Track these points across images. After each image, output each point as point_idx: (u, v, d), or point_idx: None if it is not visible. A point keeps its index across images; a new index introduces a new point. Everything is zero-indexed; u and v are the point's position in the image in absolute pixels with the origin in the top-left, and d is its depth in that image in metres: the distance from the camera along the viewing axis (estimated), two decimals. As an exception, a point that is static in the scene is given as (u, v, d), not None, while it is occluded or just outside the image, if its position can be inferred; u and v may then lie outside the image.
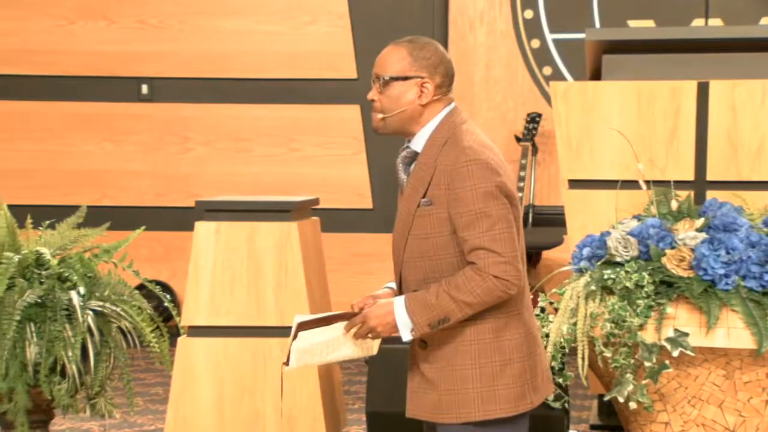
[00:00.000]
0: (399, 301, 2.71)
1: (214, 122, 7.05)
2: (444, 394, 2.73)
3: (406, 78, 2.80)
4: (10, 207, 3.83)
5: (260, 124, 7.02)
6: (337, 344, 2.77)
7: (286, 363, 2.77)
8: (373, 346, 2.82)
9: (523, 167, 6.42)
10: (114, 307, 3.73)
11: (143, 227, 4.09)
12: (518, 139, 6.54)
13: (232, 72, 7.01)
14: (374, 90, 2.84)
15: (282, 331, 4.12)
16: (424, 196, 2.75)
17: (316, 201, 4.47)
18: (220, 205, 4.23)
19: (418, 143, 2.81)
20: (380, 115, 2.82)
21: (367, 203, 6.93)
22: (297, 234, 4.13)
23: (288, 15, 6.96)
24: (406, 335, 2.71)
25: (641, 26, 6.27)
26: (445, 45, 6.75)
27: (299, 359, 2.76)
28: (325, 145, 6.97)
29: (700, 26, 6.10)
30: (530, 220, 6.39)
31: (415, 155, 2.81)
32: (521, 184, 6.38)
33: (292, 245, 4.13)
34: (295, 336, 2.75)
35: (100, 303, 3.71)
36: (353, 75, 6.91)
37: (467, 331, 2.71)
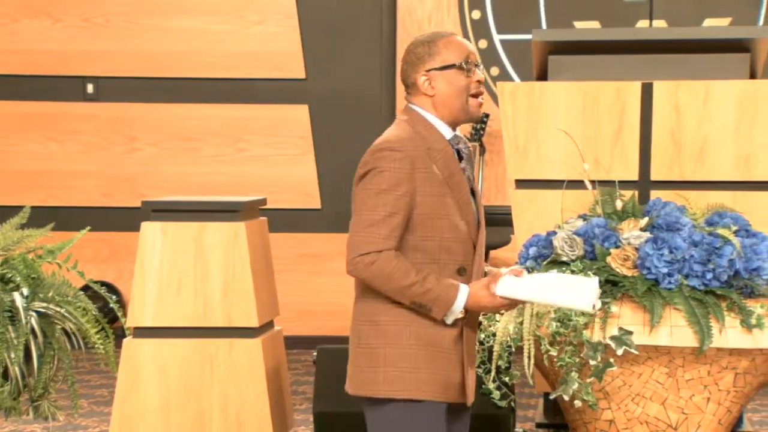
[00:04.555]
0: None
1: (161, 122, 7.00)
2: None
3: None
4: (-48, 207, 3.78)
5: (208, 124, 6.99)
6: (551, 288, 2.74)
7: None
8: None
9: (471, 167, 6.45)
10: (58, 309, 3.69)
11: (88, 228, 4.05)
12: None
13: (179, 71, 6.96)
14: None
15: (229, 332, 4.11)
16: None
17: (263, 201, 4.46)
18: (166, 205, 4.20)
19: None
20: None
21: (315, 203, 6.92)
22: (245, 234, 4.12)
23: (236, 15, 6.93)
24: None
25: (587, 27, 6.33)
26: (394, 45, 6.77)
27: (507, 285, 2.72)
28: (274, 145, 6.95)
29: (644, 28, 6.16)
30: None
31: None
32: (469, 184, 6.41)
33: (240, 246, 4.11)
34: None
35: (44, 304, 3.67)
36: (301, 75, 6.90)
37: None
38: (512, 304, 2.74)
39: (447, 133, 2.82)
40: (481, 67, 2.86)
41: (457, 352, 2.78)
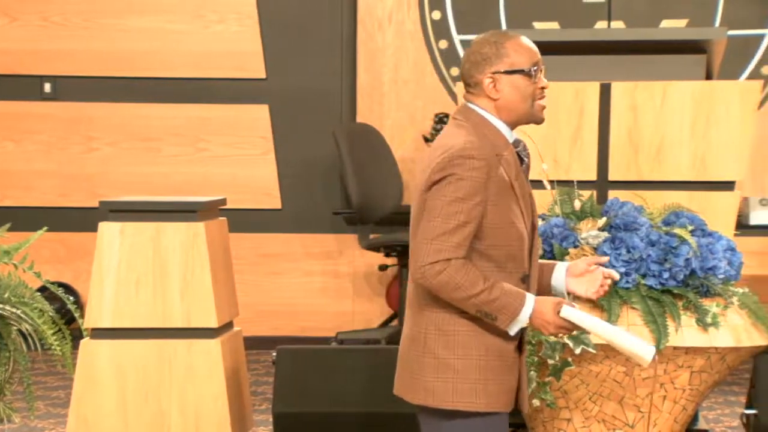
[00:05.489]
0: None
1: (119, 121, 6.95)
2: None
3: None
4: None
5: (167, 124, 6.94)
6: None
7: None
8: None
9: (431, 167, 6.45)
10: (14, 310, 3.66)
11: (45, 228, 4.01)
12: (426, 140, 6.58)
13: (138, 71, 6.92)
14: None
15: (188, 332, 4.09)
16: None
17: (223, 201, 4.44)
18: (124, 205, 4.18)
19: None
20: None
21: (275, 203, 6.90)
22: (204, 234, 4.10)
23: (195, 14, 6.90)
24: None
25: (546, 28, 6.36)
26: (354, 45, 6.77)
27: (576, 313, 2.66)
28: (234, 145, 6.92)
29: (602, 28, 6.21)
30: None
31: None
32: (429, 185, 6.41)
33: (199, 246, 4.09)
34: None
35: (0, 306, 3.64)
36: (262, 75, 6.87)
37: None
38: (571, 329, 2.67)
39: (509, 136, 2.74)
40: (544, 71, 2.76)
41: (517, 358, 2.74)
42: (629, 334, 2.67)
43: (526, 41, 2.74)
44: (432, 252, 2.63)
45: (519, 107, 2.72)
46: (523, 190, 2.73)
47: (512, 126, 2.75)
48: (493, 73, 2.70)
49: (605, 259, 2.81)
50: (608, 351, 3.41)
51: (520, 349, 2.75)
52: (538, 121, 2.76)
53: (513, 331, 2.67)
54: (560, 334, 2.72)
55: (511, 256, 2.70)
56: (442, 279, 2.62)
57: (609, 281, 2.78)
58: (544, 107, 2.76)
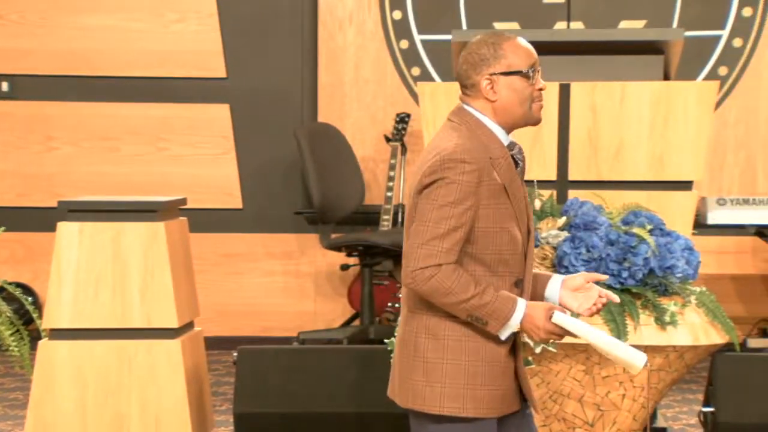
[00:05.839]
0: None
1: (79, 121, 6.90)
2: None
3: None
4: None
5: (127, 123, 6.90)
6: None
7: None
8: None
9: (392, 167, 6.46)
10: (-29, 311, 3.62)
11: (3, 228, 3.98)
12: (388, 139, 6.59)
13: (97, 70, 6.86)
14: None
15: (148, 333, 4.07)
16: None
17: (183, 201, 4.42)
18: (83, 205, 4.15)
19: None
20: None
21: (236, 203, 6.88)
22: (164, 234, 4.08)
23: (155, 12, 6.86)
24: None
25: (506, 28, 6.39)
26: (315, 45, 6.76)
27: (567, 319, 2.63)
28: (194, 144, 6.89)
29: (562, 29, 6.24)
30: (399, 219, 6.44)
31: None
32: (391, 184, 6.42)
33: (159, 246, 4.07)
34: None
35: (-43, 306, 3.60)
36: (222, 74, 6.85)
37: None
38: (562, 335, 2.65)
39: (504, 139, 2.71)
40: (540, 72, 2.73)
41: (511, 362, 2.72)
42: (620, 342, 2.65)
43: (523, 42, 2.72)
44: (422, 257, 2.61)
45: (516, 109, 2.69)
46: (517, 194, 2.70)
47: (509, 128, 2.72)
48: (491, 74, 2.67)
49: (604, 277, 2.76)
50: (568, 350, 3.44)
51: (515, 353, 2.73)
52: (536, 122, 2.73)
53: (504, 335, 2.65)
54: (551, 340, 2.70)
55: (504, 261, 2.68)
56: (433, 284, 2.61)
57: (604, 300, 2.73)
58: (541, 107, 2.72)
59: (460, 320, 2.66)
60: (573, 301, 2.74)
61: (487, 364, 2.67)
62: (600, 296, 2.73)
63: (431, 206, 2.62)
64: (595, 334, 2.64)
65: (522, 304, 2.64)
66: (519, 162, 2.73)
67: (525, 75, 2.67)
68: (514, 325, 2.63)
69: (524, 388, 2.74)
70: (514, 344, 2.73)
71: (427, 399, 2.68)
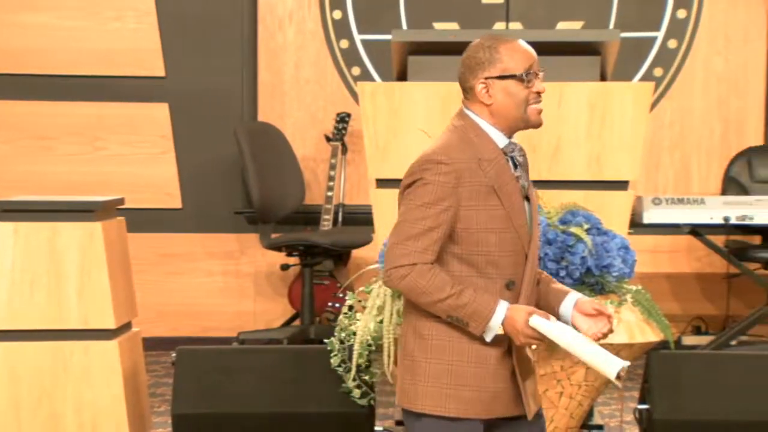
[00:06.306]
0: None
1: (14, 120, 6.80)
2: None
3: None
4: None
5: (64, 122, 6.82)
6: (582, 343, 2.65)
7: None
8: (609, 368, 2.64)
9: (333, 167, 6.46)
10: None
11: (-65, 228, 3.91)
12: (328, 139, 6.58)
13: (33, 68, 6.77)
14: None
15: (85, 334, 4.03)
16: None
17: (121, 201, 4.39)
18: (18, 205, 4.10)
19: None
20: None
21: (176, 203, 6.83)
22: (101, 234, 4.05)
23: (92, 11, 6.78)
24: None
25: (446, 28, 6.41)
26: (254, 44, 6.73)
27: (543, 324, 2.61)
28: (133, 143, 6.83)
29: (501, 29, 6.28)
30: (340, 219, 6.44)
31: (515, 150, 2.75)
32: (331, 184, 6.42)
33: (96, 246, 4.04)
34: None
35: None
36: (161, 73, 6.79)
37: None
38: (540, 339, 2.64)
39: (501, 141, 2.71)
40: (541, 75, 2.72)
41: (506, 365, 2.71)
42: (598, 347, 2.64)
43: (522, 45, 2.72)
44: (397, 256, 2.64)
45: (512, 112, 2.70)
46: (513, 195, 2.69)
47: (507, 130, 2.72)
48: (486, 78, 2.69)
49: (611, 312, 2.76)
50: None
51: (511, 354, 2.71)
52: (535, 125, 2.74)
53: (488, 337, 2.66)
54: (531, 345, 2.69)
55: (493, 262, 2.67)
56: (407, 283, 2.63)
57: (610, 327, 2.74)
58: (539, 111, 2.73)
59: (447, 320, 2.67)
60: (583, 323, 2.75)
61: (474, 365, 2.68)
62: (607, 322, 2.74)
63: (408, 206, 2.65)
64: (571, 339, 2.64)
65: (503, 306, 2.64)
66: (518, 162, 2.73)
67: (520, 78, 2.69)
68: (495, 326, 2.64)
69: (522, 392, 2.73)
70: (512, 348, 2.71)
71: (411, 397, 2.72)
